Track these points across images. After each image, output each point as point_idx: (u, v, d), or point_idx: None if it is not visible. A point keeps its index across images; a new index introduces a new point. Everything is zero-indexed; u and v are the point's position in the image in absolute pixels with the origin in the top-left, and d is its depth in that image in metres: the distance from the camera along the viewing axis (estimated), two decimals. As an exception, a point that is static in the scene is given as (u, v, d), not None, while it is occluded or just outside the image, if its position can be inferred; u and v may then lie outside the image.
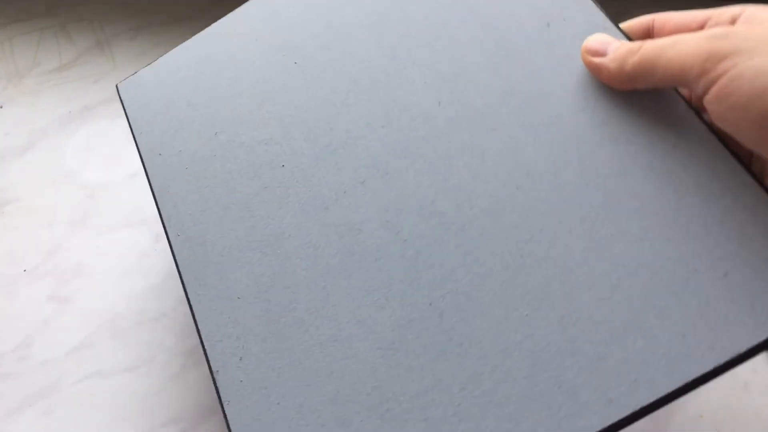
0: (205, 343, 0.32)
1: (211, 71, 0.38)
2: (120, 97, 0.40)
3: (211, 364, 0.31)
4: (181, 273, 0.34)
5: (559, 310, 0.27)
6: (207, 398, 0.42)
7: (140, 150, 0.38)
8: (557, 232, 0.29)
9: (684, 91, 0.29)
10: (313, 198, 0.33)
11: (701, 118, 0.28)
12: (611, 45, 0.29)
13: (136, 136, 0.38)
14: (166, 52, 0.62)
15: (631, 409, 0.25)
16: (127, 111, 0.39)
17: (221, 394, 0.31)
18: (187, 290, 0.33)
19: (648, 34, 0.31)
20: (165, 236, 0.48)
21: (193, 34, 0.64)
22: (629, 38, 0.30)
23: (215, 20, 0.65)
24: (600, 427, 0.25)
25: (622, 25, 0.32)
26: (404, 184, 0.32)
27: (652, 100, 0.29)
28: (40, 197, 0.52)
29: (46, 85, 0.60)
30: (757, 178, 0.27)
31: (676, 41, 0.26)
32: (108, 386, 0.42)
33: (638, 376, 0.26)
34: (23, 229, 0.50)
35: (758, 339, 0.25)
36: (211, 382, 0.42)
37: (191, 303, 0.33)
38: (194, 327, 0.45)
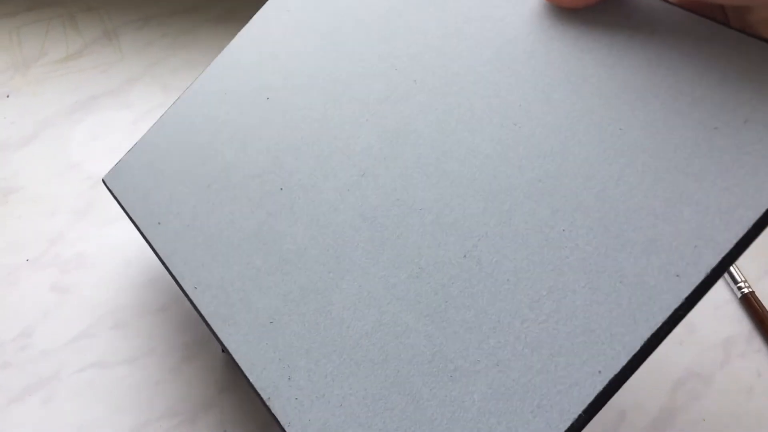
0: (249, 377, 0.31)
1: (190, 137, 0.39)
2: (108, 188, 0.41)
3: (261, 394, 0.31)
4: (208, 320, 0.33)
5: (595, 214, 0.27)
6: (205, 391, 0.42)
7: (139, 227, 0.38)
8: (567, 147, 0.29)
9: None
10: (319, 206, 0.33)
11: (669, 2, 0.29)
12: None
13: (131, 215, 0.39)
14: (173, 42, 0.62)
15: (702, 274, 0.24)
16: (117, 197, 0.40)
17: (280, 419, 0.30)
18: (218, 334, 0.33)
19: None
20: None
21: (201, 24, 0.64)
22: None
23: (222, 10, 0.65)
24: (677, 303, 0.24)
25: None
26: (404, 161, 0.32)
27: (615, 6, 0.30)
28: (44, 187, 0.52)
29: (52, 75, 0.60)
30: (741, 30, 0.27)
31: None
32: (107, 377, 0.42)
33: (697, 242, 0.25)
34: (26, 219, 0.50)
35: None
36: (211, 374, 0.42)
37: (224, 344, 0.32)
38: (194, 320, 0.45)
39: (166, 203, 0.38)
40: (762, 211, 0.24)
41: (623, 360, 0.25)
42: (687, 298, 0.24)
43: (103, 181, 0.41)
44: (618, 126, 0.28)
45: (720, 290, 0.46)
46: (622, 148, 0.27)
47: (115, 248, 0.49)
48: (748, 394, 0.41)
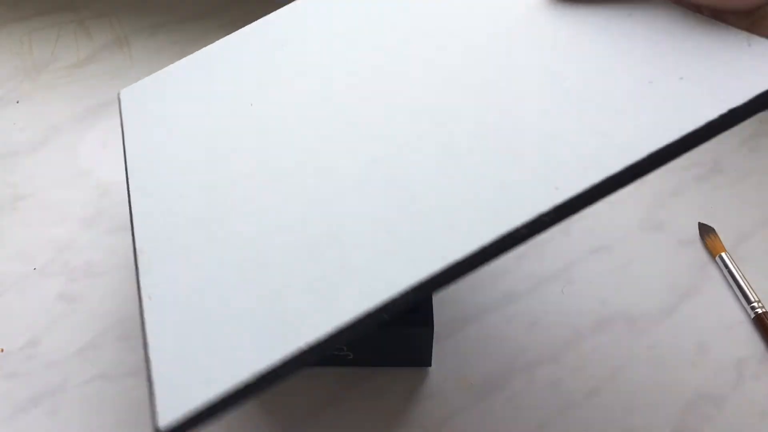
0: (135, 226, 0.34)
1: (206, 71, 0.43)
2: (119, 101, 0.44)
3: (136, 244, 0.33)
4: (131, 194, 0.36)
5: (503, 133, 0.29)
6: (212, 405, 0.41)
7: (123, 129, 0.41)
8: (503, 86, 0.31)
9: None
10: (268, 119, 0.37)
11: None
12: None
13: (123, 121, 0.42)
14: (183, 49, 0.62)
15: (580, 189, 0.26)
16: (121, 108, 0.43)
17: (140, 267, 0.32)
18: (132, 203, 0.35)
19: None
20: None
21: (212, 31, 0.64)
22: None
23: (233, 17, 0.65)
24: (545, 209, 0.26)
25: None
26: (355, 87, 0.36)
27: None
28: (53, 194, 0.52)
29: (62, 81, 0.59)
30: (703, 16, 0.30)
31: None
32: (113, 389, 0.42)
33: (588, 163, 0.27)
34: (35, 226, 0.50)
35: (724, 107, 0.26)
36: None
37: (132, 207, 0.35)
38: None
39: (159, 114, 0.41)
40: (660, 145, 0.26)
41: (468, 249, 0.26)
42: (557, 207, 0.26)
43: (118, 95, 0.44)
44: (563, 75, 0.31)
45: (732, 310, 0.45)
46: (556, 91, 0.30)
47: (123, 257, 0.48)
48: (761, 417, 0.41)
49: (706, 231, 0.49)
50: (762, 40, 0.28)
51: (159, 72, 0.44)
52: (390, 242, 0.28)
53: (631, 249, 0.49)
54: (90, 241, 0.49)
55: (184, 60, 0.44)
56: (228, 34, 0.44)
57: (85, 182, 0.52)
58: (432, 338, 0.41)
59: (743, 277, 0.46)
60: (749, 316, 0.45)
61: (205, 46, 0.63)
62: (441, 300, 0.46)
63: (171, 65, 0.44)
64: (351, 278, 0.27)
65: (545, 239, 0.50)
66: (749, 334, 0.44)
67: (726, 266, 0.47)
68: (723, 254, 0.47)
